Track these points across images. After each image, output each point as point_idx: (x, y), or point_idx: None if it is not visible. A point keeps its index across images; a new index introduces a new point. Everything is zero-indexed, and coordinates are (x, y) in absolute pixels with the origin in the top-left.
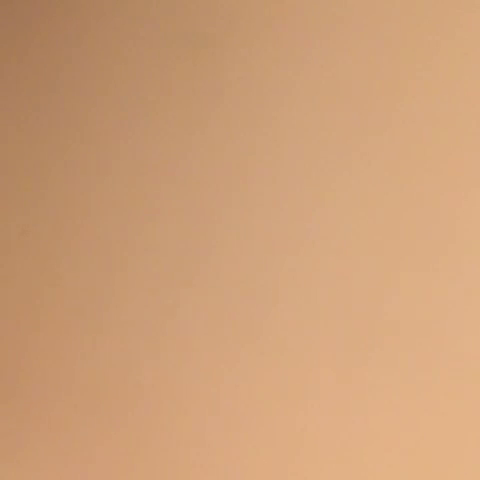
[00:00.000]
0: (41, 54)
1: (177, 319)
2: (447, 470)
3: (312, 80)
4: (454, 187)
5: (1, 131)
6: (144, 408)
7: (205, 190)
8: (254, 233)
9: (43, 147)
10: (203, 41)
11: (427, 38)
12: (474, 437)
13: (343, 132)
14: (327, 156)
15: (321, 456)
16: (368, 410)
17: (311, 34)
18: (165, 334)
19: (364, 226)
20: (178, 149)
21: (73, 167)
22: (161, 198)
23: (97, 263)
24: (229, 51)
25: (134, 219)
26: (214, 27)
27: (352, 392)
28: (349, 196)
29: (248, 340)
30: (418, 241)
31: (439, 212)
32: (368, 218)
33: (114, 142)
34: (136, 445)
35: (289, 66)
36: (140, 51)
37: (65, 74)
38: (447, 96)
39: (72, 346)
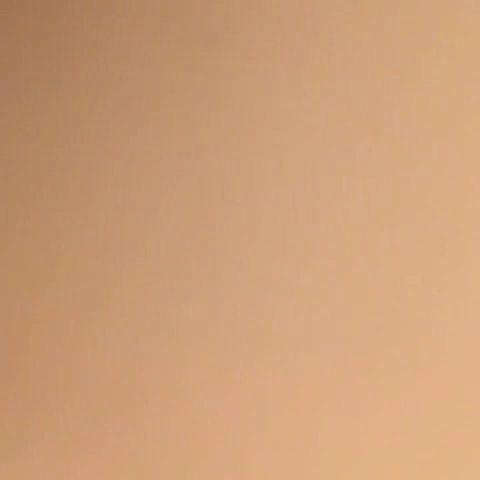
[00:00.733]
0: (41, 55)
1: (179, 320)
2: (447, 470)
3: (312, 80)
4: (457, 188)
5: (1, 131)
6: (146, 410)
7: (205, 190)
8: (254, 233)
9: (44, 148)
10: (203, 41)
11: (427, 38)
12: (474, 437)
13: (344, 131)
14: (329, 154)
15: (323, 456)
16: (369, 410)
17: (311, 34)
18: (166, 335)
19: (364, 229)
20: (178, 149)
21: (74, 168)
22: (164, 197)
23: (101, 265)
24: (229, 51)
25: (136, 219)
26: (214, 27)
27: (355, 394)
28: (350, 198)
29: (251, 341)
30: (418, 241)
31: (439, 212)
32: (368, 219)
33: (115, 142)
34: (137, 445)
35: (289, 66)
36: (140, 51)
37: (65, 74)
38: (447, 96)
39: (73, 347)
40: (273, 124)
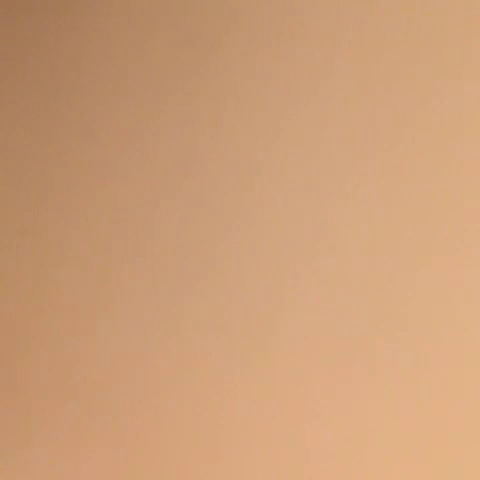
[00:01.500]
0: (42, 56)
1: (180, 320)
2: (447, 469)
3: (313, 80)
4: (457, 188)
5: (1, 131)
6: (146, 410)
7: (205, 190)
8: (255, 232)
9: (44, 148)
10: (203, 41)
11: (428, 39)
12: (474, 437)
13: (345, 132)
14: (329, 155)
15: (322, 456)
16: (370, 410)
17: (311, 34)
18: (167, 334)
19: (364, 229)
20: (179, 149)
21: (74, 168)
22: (165, 196)
23: (101, 265)
24: (229, 51)
25: (136, 219)
26: (214, 27)
27: (356, 393)
28: (350, 198)
29: (252, 338)
30: (420, 242)
31: (439, 213)
32: (367, 220)
33: (114, 143)
34: (137, 444)
35: (289, 66)
36: (140, 51)
37: (65, 75)
38: (448, 96)
39: (73, 347)
40: (274, 124)
